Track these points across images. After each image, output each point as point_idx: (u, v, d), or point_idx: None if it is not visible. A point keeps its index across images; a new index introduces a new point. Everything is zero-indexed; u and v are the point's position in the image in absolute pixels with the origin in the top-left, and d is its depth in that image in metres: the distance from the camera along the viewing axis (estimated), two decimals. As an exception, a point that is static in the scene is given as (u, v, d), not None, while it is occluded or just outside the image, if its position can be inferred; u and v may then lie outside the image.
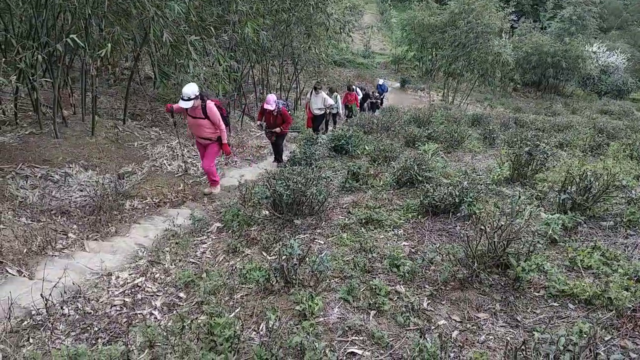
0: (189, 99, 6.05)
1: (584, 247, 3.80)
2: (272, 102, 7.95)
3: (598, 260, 3.53)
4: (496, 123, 13.22)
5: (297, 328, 2.81)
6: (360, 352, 2.69)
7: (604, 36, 38.29)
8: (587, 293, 3.04)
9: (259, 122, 8.88)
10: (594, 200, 4.53)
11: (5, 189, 5.37)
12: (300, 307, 3.05)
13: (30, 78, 6.49)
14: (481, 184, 5.55)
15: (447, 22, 24.85)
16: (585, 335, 2.33)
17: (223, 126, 6.48)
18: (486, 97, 29.04)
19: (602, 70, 35.17)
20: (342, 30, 15.65)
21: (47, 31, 6.86)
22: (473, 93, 26.64)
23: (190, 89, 6.10)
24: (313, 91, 11.36)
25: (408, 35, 30.92)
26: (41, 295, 3.41)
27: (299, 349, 2.66)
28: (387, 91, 21.29)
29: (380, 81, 21.13)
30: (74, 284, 3.85)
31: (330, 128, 13.36)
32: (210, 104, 6.30)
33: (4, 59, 5.92)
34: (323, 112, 11.49)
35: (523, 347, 2.19)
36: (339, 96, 13.50)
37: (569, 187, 4.69)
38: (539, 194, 5.30)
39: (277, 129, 8.32)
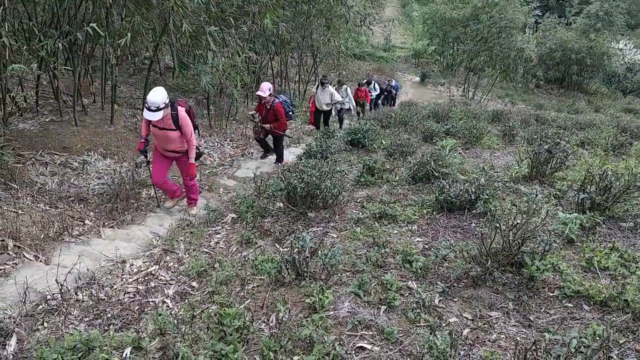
0: (159, 109, 4.87)
1: (601, 248, 3.72)
2: (265, 88, 7.19)
3: (616, 262, 3.45)
4: (516, 120, 13.00)
5: (307, 321, 2.80)
6: (369, 347, 2.68)
7: (632, 33, 37.18)
8: (603, 295, 2.97)
9: (253, 112, 7.88)
10: (613, 200, 4.43)
11: (25, 175, 5.47)
12: (311, 300, 3.04)
13: (52, 66, 6.57)
14: (498, 181, 5.48)
15: (470, 16, 24.45)
16: (598, 338, 2.28)
17: (194, 141, 5.37)
18: (507, 93, 28.59)
19: (628, 68, 34.28)
20: (362, 23, 15.53)
21: (68, 20, 6.94)
22: (494, 89, 26.26)
23: (160, 96, 4.89)
24: (319, 85, 10.61)
25: (429, 29, 30.55)
26: (56, 280, 3.47)
27: (308, 341, 2.66)
28: (397, 90, 20.56)
29: (393, 82, 20.42)
30: (88, 270, 3.91)
31: (346, 122, 12.91)
32: (183, 113, 5.22)
33: (26, 47, 6.02)
34: (331, 107, 10.88)
35: (533, 347, 2.15)
36: (349, 89, 12.89)
37: (589, 186, 4.59)
38: (558, 193, 5.21)
39: (268, 126, 7.51)
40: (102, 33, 6.36)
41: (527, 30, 27.85)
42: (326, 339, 2.60)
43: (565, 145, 6.20)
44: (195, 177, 5.69)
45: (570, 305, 3.02)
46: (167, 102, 4.96)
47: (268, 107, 7.27)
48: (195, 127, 5.63)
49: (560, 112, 19.50)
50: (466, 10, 25.27)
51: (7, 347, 2.82)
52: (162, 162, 5.57)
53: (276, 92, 7.50)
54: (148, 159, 5.67)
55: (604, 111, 23.02)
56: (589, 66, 30.75)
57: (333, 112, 12.12)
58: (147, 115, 4.91)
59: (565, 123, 13.16)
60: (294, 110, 7.88)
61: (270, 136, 8.06)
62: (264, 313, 3.11)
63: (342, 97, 11.76)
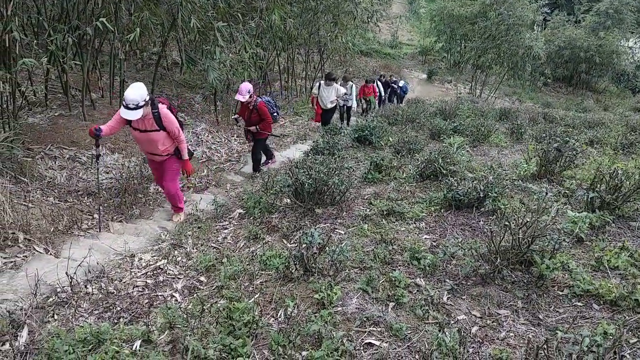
0: (138, 107, 4.42)
1: (611, 247, 3.69)
2: (244, 91, 6.50)
3: (626, 261, 3.42)
4: (524, 118, 12.94)
5: (315, 316, 2.81)
6: (377, 343, 2.68)
7: (642, 31, 36.94)
8: (613, 294, 2.95)
9: (235, 116, 7.32)
10: (624, 199, 4.39)
11: (35, 169, 5.51)
12: (319, 295, 3.05)
13: (61, 60, 6.61)
14: (507, 179, 5.45)
15: (478, 13, 24.35)
16: (610, 337, 2.27)
17: (183, 137, 5.00)
18: (515, 91, 28.44)
19: (638, 67, 34.00)
20: (369, 20, 15.48)
21: (77, 14, 6.97)
22: (501, 87, 26.13)
23: (139, 93, 4.42)
24: (322, 83, 10.08)
25: (437, 26, 30.45)
26: (66, 273, 3.50)
27: (316, 337, 2.66)
28: (405, 92, 19.76)
29: (400, 82, 19.75)
30: (98, 263, 3.95)
31: (353, 119, 12.56)
32: (165, 110, 4.78)
33: (35, 41, 6.05)
34: (335, 104, 10.39)
35: (545, 346, 2.15)
36: (354, 86, 12.29)
37: (598, 185, 4.56)
38: (567, 192, 5.18)
39: (253, 128, 6.91)
40: (111, 28, 6.38)
41: (535, 27, 27.64)
42: (335, 335, 2.61)
43: (574, 144, 6.17)
44: (192, 173, 5.42)
45: (579, 304, 3.00)
46: (147, 99, 4.48)
47: (251, 107, 6.76)
48: (181, 124, 5.16)
49: (568, 111, 19.36)
50: (474, 7, 25.17)
51: (19, 338, 2.85)
52: (158, 167, 5.23)
53: (258, 93, 7.04)
54: (98, 152, 5.05)
55: (613, 110, 22.84)
56: (597, 64, 30.52)
57: (338, 111, 11.64)
58: (125, 114, 4.42)
59: (573, 121, 13.07)
60: (278, 112, 7.38)
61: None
62: (272, 308, 3.12)
63: (346, 93, 11.21)
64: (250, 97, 6.55)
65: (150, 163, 5.36)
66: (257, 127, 6.85)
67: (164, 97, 5.07)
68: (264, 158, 7.61)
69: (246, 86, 6.52)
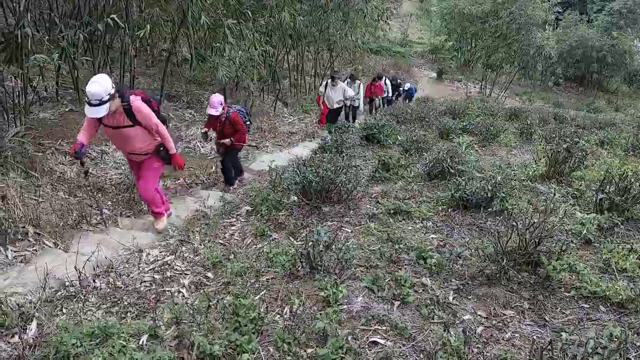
0: (102, 102, 3.87)
1: (619, 249, 3.66)
2: (216, 104, 5.93)
3: (634, 264, 3.40)
4: (534, 118, 12.85)
5: (321, 314, 2.82)
6: (382, 341, 2.68)
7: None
8: (620, 296, 2.94)
9: (203, 130, 6.64)
10: (633, 201, 4.36)
11: (45, 163, 5.56)
12: (325, 293, 3.06)
13: (72, 56, 6.66)
14: (515, 180, 5.43)
15: (489, 11, 24.16)
16: (616, 339, 2.26)
17: (164, 129, 4.46)
18: (525, 91, 28.22)
19: (651, 67, 33.60)
20: (380, 18, 15.43)
21: (89, 11, 7.02)
22: (512, 86, 25.95)
23: (102, 86, 3.85)
24: (329, 82, 9.73)
25: (447, 24, 30.24)
26: (75, 267, 3.54)
27: (321, 334, 2.67)
28: (413, 95, 18.61)
29: (407, 84, 18.68)
30: (106, 258, 3.99)
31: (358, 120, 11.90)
32: (138, 103, 4.22)
33: (47, 37, 6.11)
34: (342, 105, 10.04)
35: (549, 347, 2.14)
36: (361, 85, 11.84)
37: (607, 186, 4.53)
38: (575, 193, 5.15)
39: (227, 141, 6.24)
40: (121, 24, 6.42)
41: (547, 27, 27.38)
42: (340, 333, 2.62)
43: (584, 145, 6.12)
44: (183, 166, 4.86)
45: (586, 306, 2.99)
46: (112, 92, 3.93)
47: (223, 119, 6.13)
48: (163, 119, 4.71)
49: (579, 111, 19.22)
50: (485, 5, 24.96)
51: (28, 331, 2.88)
52: (138, 168, 4.69)
53: (229, 103, 6.31)
54: (86, 167, 4.77)
55: (624, 110, 22.63)
56: (610, 64, 30.16)
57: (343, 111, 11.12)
58: (89, 111, 3.90)
59: (584, 122, 12.99)
60: (250, 120, 6.78)
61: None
62: (278, 305, 3.13)
63: (353, 92, 10.88)
64: (222, 108, 6.02)
65: (129, 163, 4.88)
66: (231, 139, 6.23)
67: (140, 90, 4.59)
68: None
69: (217, 98, 5.98)
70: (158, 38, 10.86)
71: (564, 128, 9.66)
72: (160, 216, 4.80)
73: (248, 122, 6.49)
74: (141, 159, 4.56)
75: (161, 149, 4.55)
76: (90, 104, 3.85)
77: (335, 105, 9.84)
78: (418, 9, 41.25)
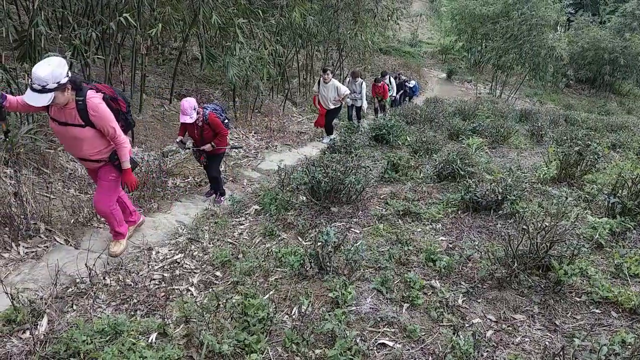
0: (45, 90, 3.18)
1: (631, 254, 3.62)
2: (189, 110, 5.16)
3: (647, 269, 3.36)
4: (545, 120, 12.76)
5: (329, 315, 2.82)
6: (391, 343, 2.68)
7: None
8: (633, 302, 2.90)
9: (178, 139, 5.77)
10: (646, 206, 4.31)
11: (57, 161, 5.61)
12: (333, 294, 3.06)
13: (84, 54, 6.70)
14: (526, 182, 5.39)
15: (500, 12, 24.00)
16: (628, 347, 2.23)
17: (122, 137, 3.71)
18: (536, 92, 28.02)
19: (664, 69, 33.18)
20: (389, 18, 15.40)
21: (101, 9, 7.06)
22: (522, 87, 25.78)
23: (50, 69, 3.17)
24: (321, 80, 8.98)
25: (458, 24, 30.05)
26: (85, 264, 3.57)
27: (330, 335, 2.68)
28: (415, 92, 18.04)
29: (411, 82, 17.92)
30: (116, 256, 4.00)
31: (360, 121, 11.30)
32: (95, 101, 3.49)
33: (60, 35, 6.15)
34: (339, 105, 9.25)
35: (561, 352, 2.12)
36: (364, 83, 10.72)
37: (620, 190, 4.48)
38: (587, 196, 5.10)
39: (208, 146, 5.52)
40: (133, 23, 6.46)
41: (558, 28, 27.18)
42: (348, 334, 2.62)
43: (596, 148, 6.06)
44: (135, 188, 4.12)
45: (597, 311, 2.96)
46: (62, 82, 3.24)
47: (200, 123, 5.44)
48: (129, 126, 4.08)
49: (590, 113, 19.02)
50: (496, 6, 24.80)
51: (39, 327, 2.91)
52: (96, 177, 3.99)
53: (200, 105, 5.51)
54: (7, 127, 3.89)
55: (637, 113, 22.38)
56: (622, 66, 29.80)
57: (347, 111, 10.92)
58: (27, 96, 3.19)
59: (595, 124, 12.84)
60: (228, 118, 5.95)
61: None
62: (287, 305, 3.14)
63: (355, 91, 10.50)
64: (197, 113, 5.31)
65: (87, 170, 4.21)
66: (212, 143, 5.53)
67: (106, 85, 3.89)
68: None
69: (190, 103, 5.19)
70: (169, 37, 10.91)
71: (575, 130, 9.57)
72: (120, 238, 4.15)
73: (226, 121, 5.78)
74: (94, 166, 3.89)
75: (116, 157, 3.82)
76: (33, 89, 3.17)
77: (332, 106, 9.17)
78: (428, 9, 41.07)
